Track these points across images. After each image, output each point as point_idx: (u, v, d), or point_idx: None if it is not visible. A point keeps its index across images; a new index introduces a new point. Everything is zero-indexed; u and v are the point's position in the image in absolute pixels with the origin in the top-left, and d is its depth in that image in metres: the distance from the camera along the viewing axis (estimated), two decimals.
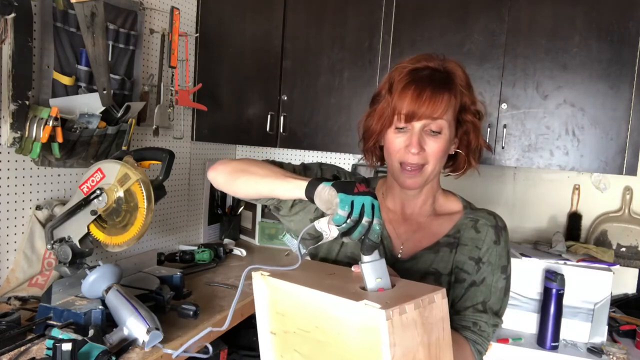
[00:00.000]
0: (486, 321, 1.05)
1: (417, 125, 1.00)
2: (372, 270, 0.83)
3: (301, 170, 1.16)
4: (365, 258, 0.84)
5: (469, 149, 1.08)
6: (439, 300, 0.79)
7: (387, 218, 1.15)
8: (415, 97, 0.98)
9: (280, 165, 1.15)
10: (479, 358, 1.05)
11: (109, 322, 1.32)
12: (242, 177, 1.03)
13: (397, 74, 1.03)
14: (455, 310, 1.06)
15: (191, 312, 1.51)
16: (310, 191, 0.88)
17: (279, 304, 0.90)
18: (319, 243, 0.86)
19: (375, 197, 0.83)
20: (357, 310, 0.75)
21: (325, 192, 0.85)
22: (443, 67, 1.03)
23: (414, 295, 0.77)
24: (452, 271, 1.07)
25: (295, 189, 0.92)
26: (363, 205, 0.81)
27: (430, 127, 1.00)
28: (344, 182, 0.85)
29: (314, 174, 1.17)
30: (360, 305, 0.74)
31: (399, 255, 1.11)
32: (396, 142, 1.02)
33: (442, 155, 1.03)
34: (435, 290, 0.79)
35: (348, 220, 0.81)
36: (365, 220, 0.81)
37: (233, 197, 2.78)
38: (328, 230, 0.83)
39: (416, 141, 0.99)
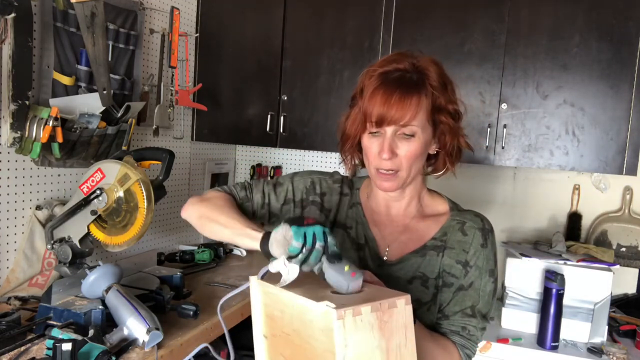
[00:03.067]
0: (475, 325, 1.04)
1: (389, 130, 0.98)
2: (331, 275, 0.84)
3: (271, 190, 1.20)
4: (324, 266, 0.86)
5: (446, 151, 1.06)
6: (402, 306, 0.77)
7: (372, 220, 1.15)
8: (384, 102, 0.96)
9: (251, 197, 1.19)
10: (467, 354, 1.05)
11: (109, 322, 1.32)
12: (207, 225, 1.10)
13: (367, 77, 1.02)
14: (443, 315, 1.06)
15: (191, 312, 1.51)
16: (264, 248, 0.91)
17: (269, 307, 0.90)
18: (281, 285, 0.86)
19: (324, 226, 0.87)
20: (319, 311, 0.75)
21: (279, 233, 0.88)
22: (414, 67, 1.00)
23: (374, 299, 0.76)
24: (439, 275, 1.07)
25: (251, 242, 0.96)
26: (314, 234, 0.85)
27: (404, 130, 0.98)
28: (293, 218, 0.90)
29: (284, 190, 1.20)
30: (321, 306, 0.74)
31: (385, 258, 1.11)
32: (372, 147, 1.01)
33: (417, 159, 1.01)
34: (399, 296, 0.78)
35: (303, 250, 0.83)
36: (318, 245, 0.84)
37: None
38: (285, 268, 0.84)
39: (387, 147, 0.98)
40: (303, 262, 0.84)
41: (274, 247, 0.88)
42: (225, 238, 1.05)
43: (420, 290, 1.06)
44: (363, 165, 1.12)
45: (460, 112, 1.04)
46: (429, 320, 1.06)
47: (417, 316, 1.02)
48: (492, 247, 1.08)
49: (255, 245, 0.94)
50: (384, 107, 0.96)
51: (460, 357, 1.03)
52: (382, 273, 1.06)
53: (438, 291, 1.07)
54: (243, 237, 0.98)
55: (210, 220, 1.08)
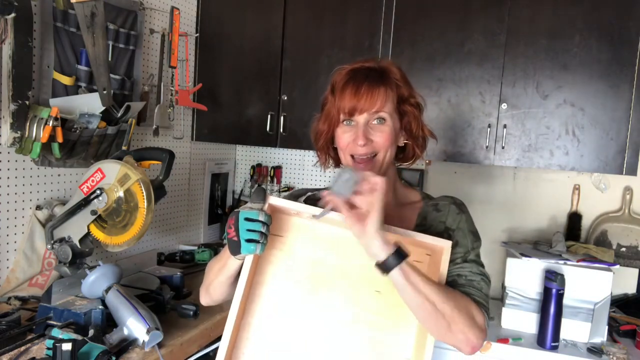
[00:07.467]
0: (470, 270, 1.05)
1: (361, 119, 1.06)
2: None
3: None
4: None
5: (413, 138, 1.13)
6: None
7: None
8: (354, 93, 1.05)
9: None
10: (483, 310, 1.02)
11: (109, 322, 1.32)
12: (211, 288, 1.13)
13: (337, 75, 1.11)
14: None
15: (191, 312, 1.51)
16: (230, 247, 1.01)
17: None
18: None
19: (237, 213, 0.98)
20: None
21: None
22: (379, 66, 1.11)
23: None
24: None
25: (227, 260, 1.04)
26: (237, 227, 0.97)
27: (375, 117, 1.06)
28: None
29: None
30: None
31: None
32: (344, 137, 1.08)
33: (390, 144, 1.08)
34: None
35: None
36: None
37: (233, 197, 2.79)
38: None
39: (362, 134, 1.05)
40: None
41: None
42: (223, 280, 1.08)
43: None
44: (337, 163, 1.17)
45: (421, 104, 1.14)
46: None
47: None
48: (469, 217, 1.13)
49: (230, 256, 1.01)
50: (355, 97, 1.05)
51: (472, 301, 1.01)
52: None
53: None
54: (224, 264, 1.06)
55: (209, 283, 1.13)
